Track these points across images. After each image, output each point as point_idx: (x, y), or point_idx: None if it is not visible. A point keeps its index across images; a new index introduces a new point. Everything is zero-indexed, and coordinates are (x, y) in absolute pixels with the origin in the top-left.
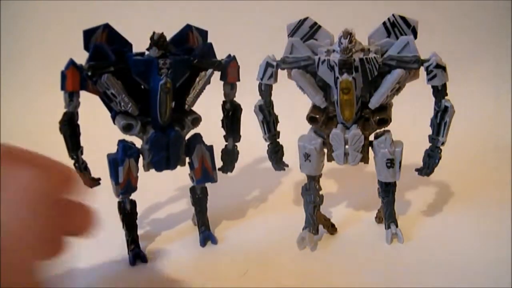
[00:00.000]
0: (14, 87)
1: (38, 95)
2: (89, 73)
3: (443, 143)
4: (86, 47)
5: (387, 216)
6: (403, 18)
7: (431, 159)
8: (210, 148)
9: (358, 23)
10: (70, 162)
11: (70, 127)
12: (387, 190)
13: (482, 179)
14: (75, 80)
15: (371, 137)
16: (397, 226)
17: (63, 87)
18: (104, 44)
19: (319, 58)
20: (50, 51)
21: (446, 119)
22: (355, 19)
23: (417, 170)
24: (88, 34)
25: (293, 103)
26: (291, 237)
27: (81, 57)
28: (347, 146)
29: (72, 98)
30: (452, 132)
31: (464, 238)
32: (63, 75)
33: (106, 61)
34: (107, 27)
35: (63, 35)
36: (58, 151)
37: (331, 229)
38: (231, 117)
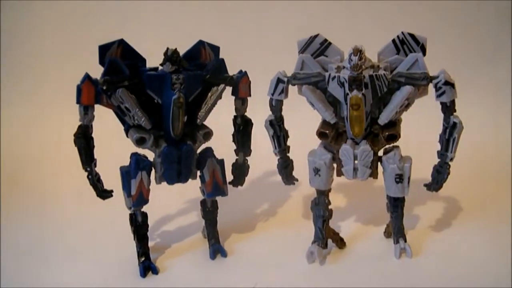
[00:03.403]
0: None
1: (39, 105)
2: (104, 87)
3: (451, 159)
4: (101, 62)
5: (396, 231)
6: (412, 35)
7: (440, 174)
8: (221, 162)
9: (368, 40)
10: (83, 174)
11: (84, 140)
12: (396, 205)
13: (491, 194)
14: (90, 94)
15: (380, 153)
16: (405, 241)
17: (78, 101)
18: (119, 59)
19: (329, 75)
20: (54, 63)
21: (454, 135)
22: (365, 36)
23: (425, 185)
24: (104, 49)
25: (303, 119)
26: (300, 251)
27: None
28: (356, 161)
29: (87, 111)
30: (461, 147)
31: (473, 253)
32: (79, 89)
33: (120, 76)
34: (122, 43)
35: (79, 53)
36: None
37: (340, 243)
38: (242, 131)
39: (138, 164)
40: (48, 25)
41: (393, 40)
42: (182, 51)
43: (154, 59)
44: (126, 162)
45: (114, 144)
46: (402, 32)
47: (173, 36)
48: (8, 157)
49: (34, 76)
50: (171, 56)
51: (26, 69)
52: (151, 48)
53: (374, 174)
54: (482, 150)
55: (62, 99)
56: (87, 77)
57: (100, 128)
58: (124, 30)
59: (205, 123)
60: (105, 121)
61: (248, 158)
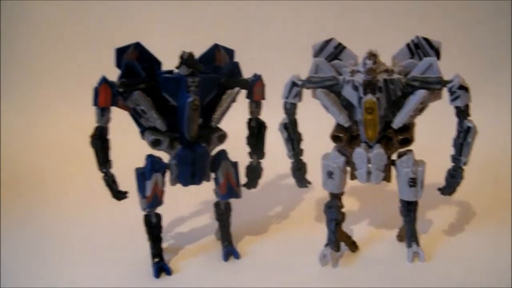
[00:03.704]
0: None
1: (40, 106)
2: (121, 90)
3: (465, 163)
4: (118, 64)
5: (409, 234)
6: (426, 39)
7: (454, 178)
8: (235, 165)
9: (382, 44)
10: (99, 175)
11: (100, 142)
12: (409, 208)
13: (505, 199)
14: (107, 96)
15: (394, 156)
16: (418, 245)
17: (95, 103)
18: (135, 62)
19: (343, 78)
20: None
21: (468, 140)
22: (379, 40)
23: (439, 189)
24: (120, 52)
25: (317, 122)
26: (313, 253)
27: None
28: (370, 165)
29: (103, 113)
30: (475, 151)
31: (486, 258)
32: (96, 91)
33: (137, 79)
34: (138, 46)
35: (83, 55)
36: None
37: (353, 246)
38: (256, 134)
39: (153, 165)
40: (56, 27)
41: (408, 44)
42: (197, 54)
43: (169, 62)
44: (141, 163)
45: (130, 145)
46: (417, 36)
47: (188, 39)
48: (15, 157)
49: (36, 78)
50: (187, 59)
51: (28, 70)
52: (167, 51)
53: (387, 178)
54: (496, 154)
55: (64, 99)
56: (104, 80)
57: (116, 129)
58: (140, 33)
59: (220, 125)
60: (121, 123)
61: (261, 160)
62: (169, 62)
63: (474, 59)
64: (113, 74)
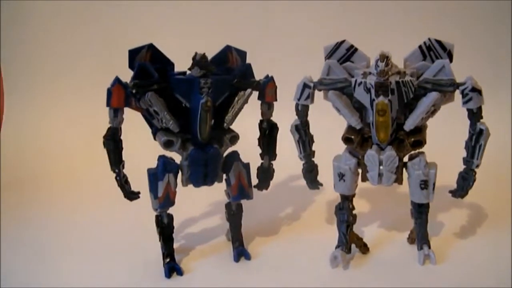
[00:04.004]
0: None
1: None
2: (134, 91)
3: (477, 166)
4: (131, 66)
5: (420, 237)
6: (439, 41)
7: (465, 181)
8: (246, 166)
9: (395, 46)
10: (110, 175)
11: (113, 142)
12: (420, 211)
13: None
14: (120, 97)
15: (406, 159)
16: (429, 248)
17: (108, 104)
18: (148, 63)
19: (355, 80)
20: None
21: (481, 142)
22: (391, 42)
23: (451, 192)
24: (133, 54)
25: (329, 124)
26: (324, 255)
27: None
28: (381, 167)
29: (116, 114)
30: (487, 154)
31: (498, 261)
32: (109, 92)
33: (150, 80)
34: (151, 47)
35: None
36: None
37: (364, 248)
38: (268, 136)
39: (165, 166)
40: (70, 27)
41: (420, 46)
42: (210, 56)
43: (182, 63)
44: (153, 164)
45: (142, 146)
46: (429, 39)
47: (201, 40)
48: (20, 157)
49: (42, 78)
50: (199, 61)
51: (36, 70)
52: (180, 52)
53: (399, 180)
54: (509, 156)
55: (68, 99)
56: (117, 81)
57: (129, 130)
58: (153, 34)
59: (232, 127)
60: (133, 124)
61: (273, 162)
62: (182, 63)
63: (474, 61)
64: (126, 75)
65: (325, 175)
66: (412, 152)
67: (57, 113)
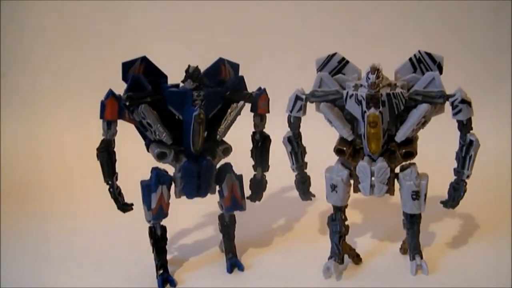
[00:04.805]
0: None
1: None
2: (127, 103)
3: (468, 176)
4: (124, 78)
5: (412, 247)
6: (429, 54)
7: (456, 191)
8: (239, 177)
9: (385, 58)
10: (103, 187)
11: (107, 154)
12: (412, 221)
13: (507, 211)
14: (114, 109)
15: (397, 169)
16: (422, 258)
17: (102, 116)
18: (142, 76)
19: (347, 93)
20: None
21: (471, 153)
22: (382, 54)
23: (442, 202)
24: (127, 66)
25: (321, 135)
26: (317, 266)
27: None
28: (373, 178)
29: (110, 126)
30: (477, 164)
31: (489, 270)
32: (103, 105)
33: (143, 92)
34: (144, 60)
35: (88, 68)
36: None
37: (356, 259)
38: (260, 147)
39: (158, 178)
40: (63, 40)
41: (410, 59)
42: (202, 68)
43: (175, 76)
44: (147, 176)
45: (135, 157)
46: (419, 51)
47: (194, 52)
48: (17, 166)
49: (39, 89)
50: (192, 73)
51: (32, 81)
52: (173, 65)
53: (390, 191)
54: (499, 167)
55: (67, 111)
56: (111, 93)
57: (122, 142)
58: (146, 46)
59: (225, 139)
60: (126, 135)
61: (266, 173)
62: (175, 76)
63: (474, 71)
64: (120, 88)
65: (318, 186)
66: (404, 163)
67: (52, 126)
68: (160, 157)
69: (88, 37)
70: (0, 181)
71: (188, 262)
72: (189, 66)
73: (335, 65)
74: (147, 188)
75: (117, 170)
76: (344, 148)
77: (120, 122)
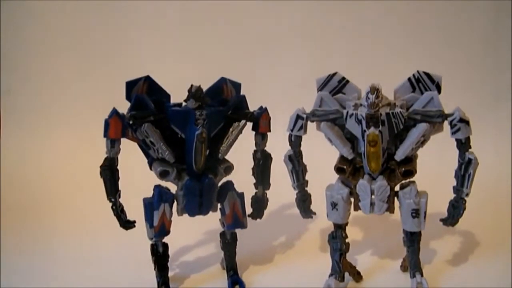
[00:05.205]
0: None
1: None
2: (131, 122)
3: (467, 194)
4: (128, 97)
5: (412, 265)
6: (427, 74)
7: (456, 209)
8: (241, 195)
9: (385, 78)
10: (107, 204)
11: (110, 172)
12: (412, 239)
13: (508, 228)
14: (117, 128)
15: (397, 188)
16: (422, 275)
17: (105, 134)
18: (145, 95)
19: (347, 112)
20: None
21: (470, 171)
22: (381, 74)
23: (442, 220)
24: (130, 85)
25: (321, 154)
26: (318, 283)
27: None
28: (373, 196)
29: (113, 144)
30: (477, 182)
31: None
32: (106, 123)
33: (146, 111)
34: (148, 79)
35: (89, 85)
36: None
37: (357, 276)
38: (262, 165)
39: (161, 196)
40: (65, 57)
41: (409, 79)
42: (205, 87)
43: (178, 95)
44: (149, 193)
45: (138, 176)
46: (418, 71)
47: (196, 71)
48: (18, 184)
49: (40, 108)
50: (195, 93)
51: (34, 99)
52: (176, 84)
53: (390, 209)
54: (499, 184)
55: (69, 129)
56: (114, 112)
57: (125, 160)
58: (150, 66)
59: (226, 157)
60: (130, 154)
61: (267, 191)
62: (178, 95)
63: (474, 89)
64: (124, 106)
65: (318, 204)
66: (403, 181)
67: (55, 143)
68: (163, 175)
69: (92, 56)
70: (2, 198)
71: (190, 279)
72: (191, 85)
73: (335, 85)
74: (150, 206)
75: (120, 188)
76: (345, 167)
77: (123, 140)
